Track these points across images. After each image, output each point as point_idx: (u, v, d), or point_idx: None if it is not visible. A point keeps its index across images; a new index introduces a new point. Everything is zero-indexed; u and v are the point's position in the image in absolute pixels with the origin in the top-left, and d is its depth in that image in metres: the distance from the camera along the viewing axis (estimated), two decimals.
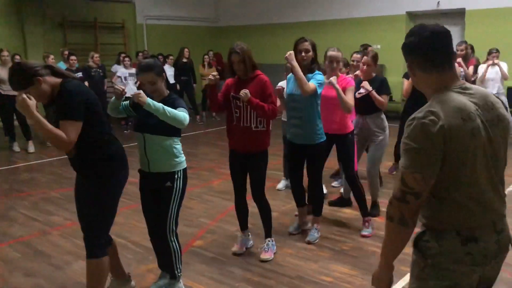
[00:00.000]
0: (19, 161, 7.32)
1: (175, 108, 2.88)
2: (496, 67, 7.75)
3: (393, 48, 11.48)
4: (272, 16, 13.32)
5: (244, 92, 3.41)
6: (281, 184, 5.64)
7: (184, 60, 10.87)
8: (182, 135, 3.10)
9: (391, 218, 1.63)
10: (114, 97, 3.06)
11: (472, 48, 8.83)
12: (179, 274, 3.20)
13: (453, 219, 1.62)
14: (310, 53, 3.79)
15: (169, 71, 10.73)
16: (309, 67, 3.81)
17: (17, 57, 8.30)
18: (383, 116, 4.52)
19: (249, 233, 3.97)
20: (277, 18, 13.21)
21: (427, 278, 1.66)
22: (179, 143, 3.08)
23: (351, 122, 4.33)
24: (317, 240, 4.04)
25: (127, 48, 12.34)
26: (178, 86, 10.52)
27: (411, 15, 11.37)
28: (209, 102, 3.79)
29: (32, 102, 2.46)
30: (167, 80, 3.14)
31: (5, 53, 7.70)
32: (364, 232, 4.18)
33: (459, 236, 1.60)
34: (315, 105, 3.85)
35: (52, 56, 8.43)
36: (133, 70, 9.89)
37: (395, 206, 1.61)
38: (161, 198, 3.05)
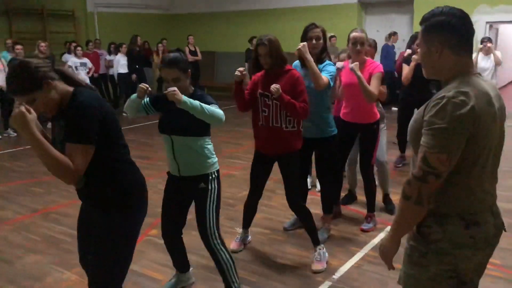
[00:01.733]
0: None
1: (206, 104, 2.62)
2: (491, 56, 7.69)
3: (346, 36, 11.77)
4: (227, 4, 13.27)
5: (276, 87, 3.10)
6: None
7: (137, 48, 10.70)
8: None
9: (408, 197, 1.59)
10: (135, 95, 2.76)
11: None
12: (236, 285, 2.90)
13: (459, 203, 1.62)
14: (321, 41, 3.54)
15: (122, 60, 10.55)
16: (318, 57, 3.55)
17: None
18: (380, 105, 4.36)
19: (248, 231, 3.82)
20: (232, 6, 13.16)
21: (429, 264, 1.66)
22: (210, 142, 2.83)
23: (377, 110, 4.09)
24: (325, 241, 3.78)
25: (78, 37, 11.98)
26: (134, 76, 10.35)
27: (363, 4, 11.64)
28: (236, 101, 3.37)
29: (32, 117, 1.90)
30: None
31: None
32: (364, 227, 4.05)
33: (463, 220, 1.61)
34: (325, 97, 3.62)
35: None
36: (85, 60, 9.67)
37: (414, 186, 1.57)
38: (196, 202, 2.82)
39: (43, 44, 9.04)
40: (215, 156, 2.85)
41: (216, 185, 2.81)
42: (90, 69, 9.74)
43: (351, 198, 4.74)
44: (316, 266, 3.38)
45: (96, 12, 12.65)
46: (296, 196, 3.46)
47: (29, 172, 6.09)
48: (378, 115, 4.00)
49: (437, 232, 1.63)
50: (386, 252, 1.77)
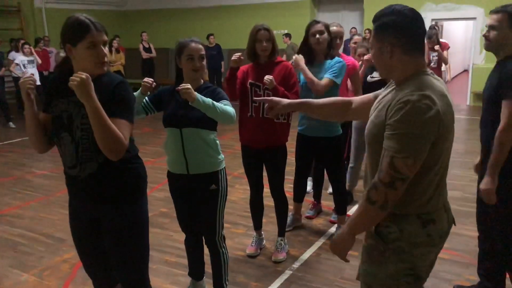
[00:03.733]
0: None
1: (216, 99, 2.49)
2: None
3: (299, 33, 11.94)
4: (180, 0, 13.17)
5: (269, 79, 3.03)
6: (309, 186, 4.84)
7: None
8: None
9: (373, 202, 1.57)
10: (136, 93, 2.50)
11: (370, 32, 9.46)
12: (226, 283, 2.88)
13: (416, 203, 1.63)
14: (325, 35, 3.41)
15: None
16: (327, 53, 3.46)
17: None
18: None
19: (263, 232, 3.73)
20: (186, 2, 13.09)
21: (387, 261, 1.67)
22: (217, 138, 2.70)
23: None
24: None
25: (25, 34, 11.55)
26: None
27: (315, 1, 11.87)
28: (228, 89, 3.20)
29: (88, 79, 1.79)
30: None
31: None
32: (308, 214, 4.25)
33: (419, 219, 1.63)
34: (333, 96, 3.27)
35: None
36: (33, 57, 9.36)
37: (381, 191, 1.55)
38: (205, 203, 2.67)
39: None
40: (221, 153, 2.71)
41: (226, 185, 2.70)
42: (38, 64, 9.42)
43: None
44: (277, 256, 3.46)
45: (44, 8, 12.23)
46: (281, 186, 3.45)
47: None
48: None
49: (395, 232, 1.64)
50: (341, 247, 1.73)
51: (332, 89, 3.38)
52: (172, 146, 2.59)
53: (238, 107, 3.14)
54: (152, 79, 2.62)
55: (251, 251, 3.58)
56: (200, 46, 2.56)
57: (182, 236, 3.91)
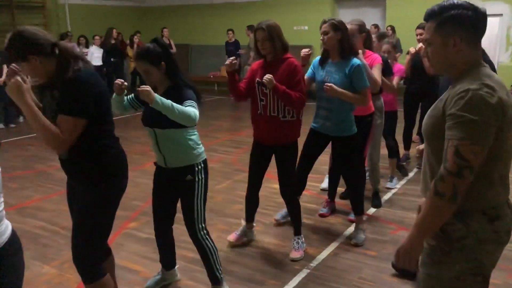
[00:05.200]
0: None
1: (182, 99, 2.52)
2: None
3: (318, 29, 11.88)
4: None
5: (268, 78, 3.03)
6: (325, 183, 4.92)
7: (113, 41, 10.54)
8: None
9: (442, 194, 1.53)
10: (114, 94, 2.67)
11: (393, 29, 9.35)
12: (221, 276, 2.92)
13: (481, 198, 1.60)
14: (330, 34, 3.36)
15: (97, 52, 10.40)
16: (340, 51, 3.39)
17: None
18: (381, 98, 4.32)
19: (254, 225, 3.75)
20: None
21: (453, 262, 1.62)
22: (195, 133, 2.77)
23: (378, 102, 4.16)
24: (363, 241, 3.67)
25: (48, 30, 11.72)
26: (105, 69, 10.22)
27: None
28: (230, 91, 3.35)
29: (27, 87, 2.06)
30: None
31: None
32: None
33: (485, 215, 1.59)
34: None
35: None
36: None
37: (449, 182, 1.52)
38: (183, 194, 2.78)
39: None
40: (201, 146, 2.80)
41: (203, 176, 2.77)
42: None
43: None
44: (294, 254, 3.45)
45: (67, 4, 12.39)
46: (290, 186, 3.44)
47: (3, 168, 5.97)
48: (373, 108, 3.99)
49: (461, 230, 1.59)
50: (410, 253, 1.64)
51: (351, 86, 3.39)
52: (151, 142, 2.77)
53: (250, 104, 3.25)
54: (122, 80, 2.68)
55: (231, 238, 3.64)
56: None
57: None
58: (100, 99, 2.22)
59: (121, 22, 12.65)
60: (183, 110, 2.44)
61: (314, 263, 3.38)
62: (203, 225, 2.81)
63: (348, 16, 11.76)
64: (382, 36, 5.14)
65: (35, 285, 3.16)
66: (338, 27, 3.36)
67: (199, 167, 2.75)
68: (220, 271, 2.92)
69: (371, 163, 4.44)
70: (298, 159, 3.58)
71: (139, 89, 2.37)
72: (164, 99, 2.40)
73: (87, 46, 10.61)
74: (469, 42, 1.60)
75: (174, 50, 11.62)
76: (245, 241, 3.69)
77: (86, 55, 10.41)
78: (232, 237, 3.66)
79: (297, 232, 3.56)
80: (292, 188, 3.47)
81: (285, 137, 3.29)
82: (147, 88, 2.37)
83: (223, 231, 3.91)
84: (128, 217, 4.25)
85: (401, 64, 5.11)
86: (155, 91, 2.56)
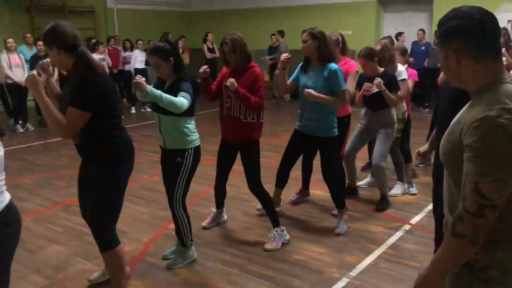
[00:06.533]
0: None
1: (179, 90, 3.03)
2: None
3: (364, 34, 11.71)
4: (245, 1, 13.29)
5: (230, 82, 3.40)
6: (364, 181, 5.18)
7: None
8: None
9: (463, 236, 1.39)
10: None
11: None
12: (189, 243, 3.41)
13: (508, 228, 1.45)
14: (309, 43, 3.69)
15: (140, 56, 10.64)
16: (318, 58, 3.70)
17: None
18: (393, 111, 4.39)
19: (224, 210, 4.17)
20: (250, 3, 13.19)
21: None
22: (192, 122, 3.25)
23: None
24: (345, 232, 3.92)
25: (97, 34, 12.13)
26: (148, 72, 10.42)
27: (382, 2, 11.55)
28: (203, 92, 3.71)
29: (42, 79, 2.51)
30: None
31: None
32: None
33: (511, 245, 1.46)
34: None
35: (11, 40, 8.27)
36: (103, 55, 9.77)
37: (469, 223, 1.37)
38: (171, 172, 3.26)
39: None
40: (195, 134, 3.27)
41: (190, 162, 3.22)
42: (108, 63, 9.80)
43: (350, 192, 4.76)
44: (268, 245, 3.68)
45: (115, 9, 12.78)
46: (256, 182, 3.71)
47: (50, 166, 6.22)
48: (349, 110, 4.30)
49: (485, 259, 1.47)
50: None
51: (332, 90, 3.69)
52: (156, 125, 3.26)
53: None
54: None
55: (206, 223, 4.07)
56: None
57: (238, 235, 3.94)
58: (106, 96, 2.60)
59: (167, 27, 12.92)
60: (171, 99, 2.93)
61: (354, 272, 3.30)
62: (180, 200, 3.28)
63: (394, 21, 11.55)
64: (404, 52, 5.16)
65: (77, 281, 3.25)
66: (316, 36, 3.68)
67: (190, 152, 3.21)
68: (188, 238, 3.40)
69: (378, 169, 4.43)
70: (282, 156, 4.10)
71: (134, 80, 2.90)
72: (154, 90, 2.92)
73: (131, 50, 10.87)
74: (475, 55, 1.42)
75: (217, 54, 11.69)
76: (214, 225, 4.09)
77: (130, 58, 10.68)
78: (205, 222, 4.08)
79: (275, 224, 3.76)
80: (258, 182, 3.72)
81: (246, 137, 3.63)
82: (140, 80, 2.89)
83: (263, 236, 3.91)
84: (168, 218, 4.30)
85: (412, 69, 5.17)
86: (164, 83, 3.21)
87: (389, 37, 5.10)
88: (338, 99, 3.68)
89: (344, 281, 3.19)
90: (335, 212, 4.20)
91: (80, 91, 2.54)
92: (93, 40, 10.13)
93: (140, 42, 10.69)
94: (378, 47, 4.61)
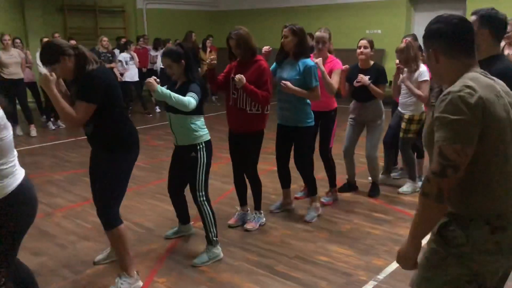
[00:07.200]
0: (22, 145, 7.38)
1: (188, 91, 3.24)
2: None
3: (394, 33, 11.52)
4: (274, 0, 13.27)
5: (238, 78, 3.56)
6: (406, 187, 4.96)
7: (191, 45, 10.85)
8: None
9: (427, 195, 1.57)
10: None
11: None
12: (214, 239, 3.49)
13: (483, 205, 1.61)
14: (289, 39, 3.89)
15: None
16: (294, 52, 3.91)
17: (17, 41, 8.34)
18: (380, 102, 4.61)
19: (248, 209, 4.17)
20: (279, 2, 13.16)
21: (447, 266, 1.66)
22: (200, 119, 3.43)
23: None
24: (314, 219, 4.18)
25: (127, 33, 12.32)
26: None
27: (412, 0, 11.34)
28: (209, 82, 3.92)
29: (53, 78, 2.75)
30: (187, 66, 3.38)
31: (7, 37, 7.72)
32: (324, 200, 4.56)
33: (488, 225, 1.59)
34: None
35: (46, 39, 8.46)
36: (133, 54, 9.90)
37: (433, 182, 1.56)
38: (189, 167, 3.43)
39: (105, 39, 9.39)
40: (204, 129, 3.45)
41: (205, 155, 3.41)
42: (136, 63, 9.91)
43: (350, 187, 4.93)
44: (248, 225, 4.00)
45: (145, 9, 12.95)
46: (253, 169, 3.97)
47: (81, 163, 6.32)
48: (336, 104, 4.47)
49: (461, 237, 1.61)
50: (406, 256, 1.73)
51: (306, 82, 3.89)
52: (168, 124, 3.46)
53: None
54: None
55: (231, 222, 4.12)
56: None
57: (265, 235, 3.93)
58: (109, 89, 2.87)
59: (195, 26, 13.01)
60: (180, 98, 3.15)
61: (381, 276, 3.25)
62: (203, 193, 3.44)
63: (425, 20, 11.29)
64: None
65: (105, 277, 3.29)
66: (296, 32, 3.87)
67: (201, 146, 3.39)
68: (213, 234, 3.49)
69: (371, 159, 4.68)
70: (275, 156, 4.29)
71: (146, 81, 3.16)
72: (164, 90, 3.15)
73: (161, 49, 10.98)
74: (449, 53, 1.67)
75: None
76: (240, 223, 4.11)
77: (156, 59, 10.78)
78: (231, 221, 4.13)
79: (257, 207, 4.08)
80: (254, 170, 3.96)
81: (251, 127, 3.81)
82: (151, 80, 3.14)
83: (290, 236, 3.89)
84: (195, 216, 4.32)
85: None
86: (176, 83, 3.42)
87: (413, 34, 5.02)
88: (311, 93, 3.90)
89: (371, 284, 3.14)
90: (324, 200, 4.56)
91: (86, 85, 2.82)
92: (123, 40, 10.27)
93: (170, 42, 10.80)
94: (402, 45, 4.59)
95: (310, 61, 3.90)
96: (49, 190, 5.19)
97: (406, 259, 1.73)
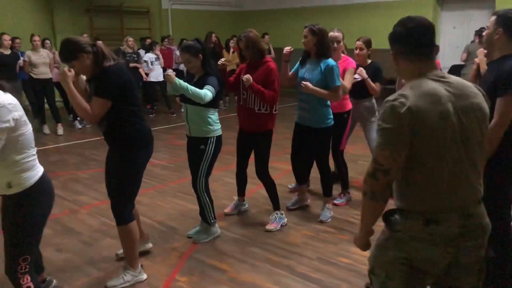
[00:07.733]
0: (49, 143, 7.56)
1: (205, 84, 3.44)
2: None
3: None
4: (299, 0, 13.22)
5: (246, 78, 3.69)
6: None
7: (211, 45, 10.90)
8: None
9: (364, 193, 1.78)
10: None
11: None
12: (212, 221, 3.81)
13: (417, 201, 1.75)
14: (308, 38, 3.90)
15: None
16: (316, 52, 3.91)
17: (47, 41, 8.54)
18: (374, 100, 4.79)
19: (245, 199, 4.45)
20: (303, 2, 13.11)
21: (388, 247, 1.83)
22: (215, 113, 3.64)
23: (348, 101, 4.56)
24: (329, 220, 4.20)
25: (152, 33, 12.46)
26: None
27: (439, 0, 11.15)
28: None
29: (70, 74, 2.85)
30: (204, 63, 3.58)
31: (36, 38, 7.90)
32: (337, 201, 4.57)
33: (422, 218, 1.73)
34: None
35: None
36: (160, 55, 9.99)
37: (367, 183, 1.75)
38: (195, 157, 3.65)
39: (131, 39, 9.53)
40: (218, 124, 3.65)
41: (212, 149, 3.62)
42: (161, 63, 9.98)
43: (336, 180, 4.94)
44: (269, 226, 4.02)
45: (170, 9, 13.08)
46: (264, 168, 4.01)
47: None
48: (349, 106, 4.48)
49: (400, 224, 1.79)
50: (357, 239, 1.98)
51: (328, 83, 3.89)
52: (184, 114, 3.68)
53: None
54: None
55: (227, 210, 4.36)
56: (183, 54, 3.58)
57: (286, 236, 3.92)
58: (125, 86, 2.92)
59: (219, 26, 13.09)
60: (196, 91, 3.36)
61: None
62: (203, 183, 3.68)
63: (452, 19, 11.11)
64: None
65: None
66: (315, 32, 3.87)
67: (212, 140, 3.60)
68: (211, 218, 3.79)
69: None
70: (291, 151, 4.34)
71: (165, 73, 3.39)
72: (182, 82, 3.36)
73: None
74: (406, 55, 1.78)
75: (272, 55, 11.62)
76: (236, 212, 4.37)
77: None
78: (227, 209, 4.36)
79: (276, 207, 4.10)
80: (264, 169, 4.01)
81: (260, 127, 3.91)
82: (170, 73, 3.38)
83: (311, 237, 3.88)
84: (216, 215, 4.35)
85: None
86: (193, 77, 3.61)
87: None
88: (332, 93, 3.89)
89: None
90: (338, 202, 4.56)
91: (102, 82, 2.88)
92: (149, 40, 10.39)
93: None
94: None
95: (331, 61, 3.90)
96: (75, 188, 5.30)
97: (357, 240, 1.98)
